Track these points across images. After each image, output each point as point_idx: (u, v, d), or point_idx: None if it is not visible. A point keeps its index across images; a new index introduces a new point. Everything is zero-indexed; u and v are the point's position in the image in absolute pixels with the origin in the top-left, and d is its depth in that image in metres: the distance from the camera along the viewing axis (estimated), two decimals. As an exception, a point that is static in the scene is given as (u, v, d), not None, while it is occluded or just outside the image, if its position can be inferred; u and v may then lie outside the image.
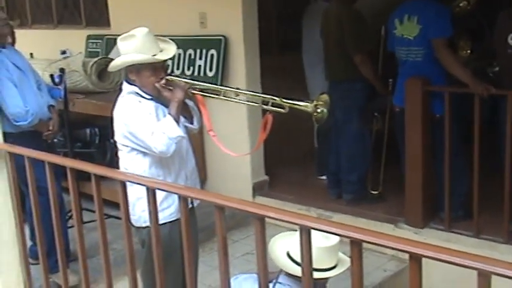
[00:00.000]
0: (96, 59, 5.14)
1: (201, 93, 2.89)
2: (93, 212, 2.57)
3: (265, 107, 2.74)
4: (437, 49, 3.86)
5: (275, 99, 2.67)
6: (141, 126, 2.79)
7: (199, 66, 4.96)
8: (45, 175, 2.73)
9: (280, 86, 4.60)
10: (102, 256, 2.54)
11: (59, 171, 3.04)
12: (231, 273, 2.07)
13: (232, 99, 3.02)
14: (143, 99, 2.90)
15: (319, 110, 2.65)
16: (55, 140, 4.19)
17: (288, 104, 2.65)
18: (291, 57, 5.59)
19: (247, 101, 3.13)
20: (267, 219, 1.85)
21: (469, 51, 4.50)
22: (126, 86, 2.94)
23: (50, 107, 3.90)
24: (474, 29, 5.03)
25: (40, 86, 3.91)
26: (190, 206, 2.94)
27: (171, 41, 3.03)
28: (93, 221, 2.86)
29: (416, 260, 1.51)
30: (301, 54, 5.35)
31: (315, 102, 2.62)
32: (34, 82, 3.83)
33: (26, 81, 3.75)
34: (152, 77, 2.86)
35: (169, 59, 2.99)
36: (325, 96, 2.66)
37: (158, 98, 2.92)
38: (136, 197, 2.80)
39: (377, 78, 4.50)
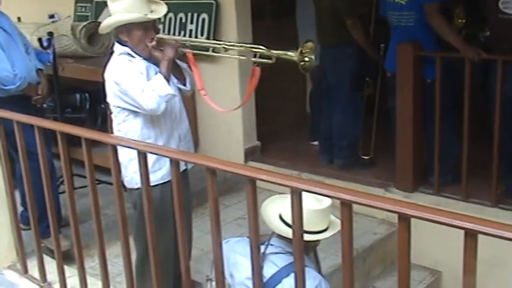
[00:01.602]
0: (85, 23, 5.07)
1: (191, 50, 2.88)
2: (85, 177, 2.57)
3: (253, 59, 2.73)
4: (429, 14, 3.84)
5: (262, 50, 2.67)
6: (132, 84, 2.78)
7: (191, 30, 4.91)
8: (35, 140, 2.72)
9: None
10: (94, 221, 2.55)
11: (49, 137, 3.03)
12: (223, 238, 2.08)
13: (222, 55, 3.01)
14: (134, 59, 2.89)
15: (306, 58, 2.63)
16: (44, 105, 4.15)
17: (275, 54, 2.64)
18: (284, 22, 5.54)
19: (237, 55, 3.13)
20: (259, 184, 1.86)
21: (464, 20, 4.47)
22: (117, 47, 2.93)
23: (39, 70, 3.86)
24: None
25: (28, 49, 3.87)
26: (184, 168, 2.96)
27: (161, 2, 3.00)
28: (85, 186, 2.86)
29: (405, 220, 1.53)
30: (295, 19, 5.30)
31: (300, 49, 2.61)
32: (22, 46, 3.78)
33: (13, 44, 3.70)
34: (143, 36, 2.86)
35: (160, 19, 2.97)
36: (310, 44, 2.65)
37: (150, 58, 2.91)
38: (129, 159, 2.81)
39: (368, 43, 4.48)
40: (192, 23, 4.90)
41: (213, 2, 4.75)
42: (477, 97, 3.96)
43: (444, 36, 3.86)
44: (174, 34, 4.98)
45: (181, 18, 4.96)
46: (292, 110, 5.76)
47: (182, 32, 4.95)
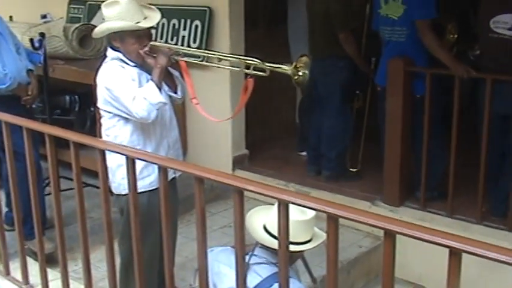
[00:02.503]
0: (77, 25, 5.05)
1: (184, 59, 2.88)
2: (71, 180, 2.57)
3: (246, 71, 2.72)
4: (420, 30, 3.87)
5: (256, 63, 2.67)
6: (123, 91, 2.77)
7: (183, 37, 4.91)
8: (23, 141, 2.71)
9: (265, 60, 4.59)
10: (79, 224, 2.54)
11: (37, 138, 3.02)
12: (209, 245, 2.08)
13: (215, 65, 3.01)
14: (127, 65, 2.88)
15: (300, 73, 2.64)
16: (33, 106, 4.14)
17: (269, 67, 2.64)
18: (277, 32, 5.56)
19: (230, 66, 3.12)
20: (246, 193, 1.86)
21: (456, 35, 4.51)
22: (110, 52, 2.92)
23: (29, 71, 3.84)
24: (462, 13, 5.05)
25: (19, 49, 3.85)
26: (172, 176, 2.95)
27: (155, 8, 3.00)
28: (71, 189, 2.85)
29: (390, 236, 1.54)
30: (285, 28, 5.33)
31: (294, 64, 2.61)
32: (13, 45, 3.77)
33: (4, 44, 3.69)
34: (136, 44, 2.84)
35: (153, 27, 2.96)
36: (305, 58, 2.65)
37: (142, 66, 2.91)
38: (117, 164, 2.79)
39: (360, 57, 4.51)
40: (185, 29, 4.90)
41: (207, 9, 4.76)
42: (465, 114, 3.99)
43: (435, 52, 3.89)
44: (166, 40, 4.98)
45: (174, 24, 4.96)
46: (281, 120, 5.77)
47: (175, 38, 4.95)
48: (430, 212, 4.07)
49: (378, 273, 3.98)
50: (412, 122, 4.07)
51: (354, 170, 4.79)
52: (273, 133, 5.69)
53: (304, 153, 5.14)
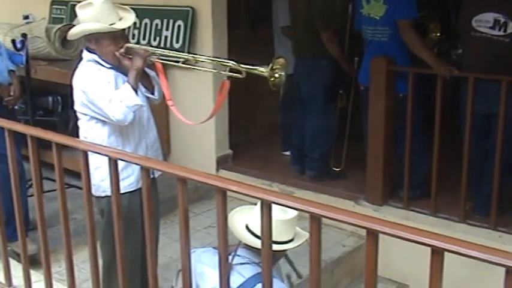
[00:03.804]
0: (59, 26, 5.02)
1: (161, 61, 2.86)
2: (54, 181, 2.55)
3: (223, 72, 2.71)
4: (402, 30, 3.90)
5: (232, 65, 2.66)
6: (100, 94, 2.76)
7: (166, 37, 4.90)
8: (4, 142, 2.68)
9: (248, 61, 4.59)
10: (62, 226, 2.53)
11: (20, 139, 2.99)
12: (192, 246, 2.08)
13: (193, 67, 3.00)
14: (102, 67, 2.86)
15: (276, 75, 2.62)
16: (16, 107, 4.10)
17: (245, 69, 2.63)
18: (261, 32, 5.56)
19: (209, 68, 3.11)
20: (229, 193, 1.86)
21: (438, 34, 4.54)
22: (85, 54, 2.90)
23: (11, 71, 3.81)
24: (444, 12, 5.08)
25: (0, 50, 3.82)
26: (151, 176, 2.94)
27: (130, 9, 2.98)
28: (54, 190, 2.82)
29: (373, 235, 1.55)
30: (271, 30, 5.32)
31: (271, 66, 2.60)
32: (-7, 46, 3.75)
33: (-15, 45, 3.66)
34: (111, 45, 2.82)
35: (135, 25, 2.95)
36: (281, 60, 2.64)
37: (118, 67, 2.89)
38: (95, 166, 2.77)
39: (343, 57, 4.53)
40: (167, 29, 4.89)
41: (189, 9, 4.75)
42: (448, 113, 4.02)
43: (417, 51, 3.91)
44: (149, 40, 4.96)
45: (157, 25, 4.95)
46: (265, 120, 5.77)
47: (157, 39, 4.93)
48: (413, 210, 4.10)
49: (361, 272, 3.99)
50: (395, 121, 4.09)
51: (338, 169, 4.81)
52: (257, 133, 5.69)
53: (287, 153, 5.15)
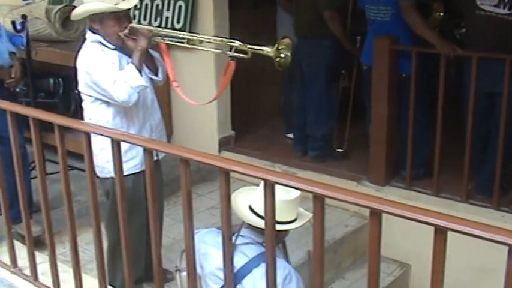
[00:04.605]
0: (59, 7, 4.99)
1: (165, 41, 2.85)
2: (57, 163, 2.55)
3: (228, 53, 2.70)
4: (404, 11, 3.87)
5: (237, 45, 2.65)
6: (104, 75, 2.75)
7: (167, 17, 4.86)
8: (7, 125, 2.68)
9: (251, 42, 4.57)
10: (66, 207, 2.53)
11: (22, 122, 2.99)
12: (195, 227, 2.08)
13: (197, 47, 2.98)
14: (106, 48, 2.86)
15: (282, 55, 2.61)
16: (17, 89, 4.09)
17: (250, 49, 2.62)
18: (262, 12, 5.53)
19: (212, 48, 3.09)
20: (232, 174, 1.86)
21: (441, 13, 4.50)
22: (89, 35, 2.89)
23: (11, 54, 3.80)
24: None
25: (0, 32, 3.80)
26: (155, 158, 2.94)
27: None
28: (57, 172, 2.83)
29: (376, 215, 1.54)
30: (274, 9, 5.28)
31: (276, 46, 2.59)
32: (-7, 28, 3.72)
33: (-15, 27, 3.64)
34: (115, 26, 2.82)
35: (136, 6, 2.93)
36: (287, 40, 2.63)
37: (122, 48, 2.87)
38: (99, 148, 2.78)
39: (345, 36, 4.50)
40: (168, 10, 4.86)
41: (190, -12, 4.72)
42: (452, 92, 4.00)
43: (419, 32, 3.89)
44: (150, 21, 4.93)
45: (157, 5, 4.91)
46: (267, 101, 5.76)
47: (158, 19, 4.90)
48: (416, 190, 4.10)
49: (364, 251, 4.01)
50: (397, 101, 4.08)
51: (340, 149, 4.80)
52: (259, 114, 5.68)
53: (291, 135, 5.14)
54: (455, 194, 3.97)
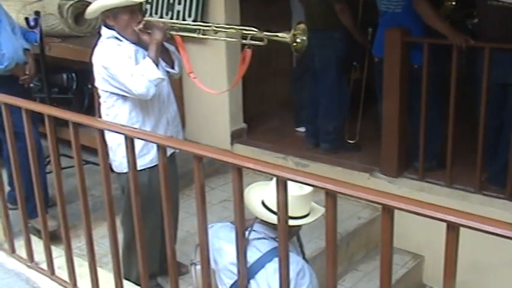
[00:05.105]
0: (72, 2, 5.02)
1: (180, 33, 2.86)
2: (71, 157, 2.58)
3: (244, 41, 2.71)
4: (415, 2, 3.86)
5: (254, 32, 2.65)
6: (121, 69, 2.77)
7: (178, 11, 4.88)
8: (22, 121, 2.72)
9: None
10: (81, 202, 2.57)
11: (36, 117, 3.03)
12: (209, 220, 2.10)
13: (212, 37, 2.99)
14: (122, 43, 2.88)
15: (298, 40, 2.63)
16: (31, 85, 4.13)
17: (267, 36, 2.63)
18: (273, 3, 5.52)
19: (227, 38, 3.10)
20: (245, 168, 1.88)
21: (453, 2, 4.48)
22: (104, 31, 2.91)
23: (25, 50, 3.83)
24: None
25: (14, 29, 3.83)
26: (172, 151, 2.97)
27: None
28: (72, 166, 2.86)
29: (389, 211, 1.56)
30: (284, 1, 5.27)
31: (292, 32, 2.61)
32: (8, 25, 3.75)
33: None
34: (130, 20, 2.84)
35: (147, 1, 2.94)
36: (302, 26, 2.65)
37: (138, 42, 2.89)
38: (117, 143, 2.80)
39: (356, 28, 4.50)
40: (179, 3, 4.87)
41: (202, -17, 4.72)
42: (464, 83, 3.99)
43: (431, 23, 3.87)
44: (161, 15, 4.95)
45: (169, -1, 4.93)
46: (279, 93, 5.76)
47: (170, 13, 4.92)
48: (428, 182, 4.10)
49: (377, 243, 4.02)
50: (409, 92, 4.07)
51: (352, 141, 4.81)
52: (271, 106, 5.68)
53: (301, 129, 5.14)
54: (468, 185, 3.96)
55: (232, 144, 4.97)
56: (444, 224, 1.48)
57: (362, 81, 4.72)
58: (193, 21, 4.73)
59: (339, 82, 4.63)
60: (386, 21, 4.07)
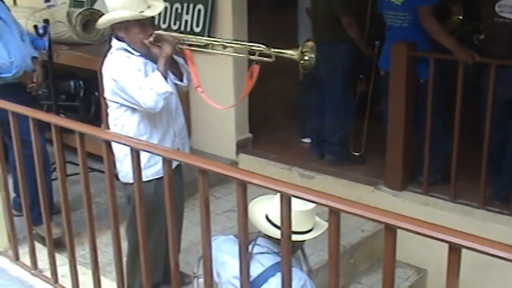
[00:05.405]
0: (81, 10, 5.06)
1: (189, 47, 2.88)
2: (77, 164, 2.58)
3: (252, 57, 2.72)
4: (422, 17, 3.87)
5: (262, 49, 2.66)
6: (130, 81, 2.78)
7: (186, 21, 4.91)
8: (29, 129, 2.73)
9: (268, 44, 4.58)
10: (86, 209, 2.57)
11: (43, 123, 3.04)
12: (212, 230, 2.11)
13: (221, 52, 3.00)
14: (132, 55, 2.89)
15: (306, 57, 2.64)
16: (39, 92, 4.15)
17: (275, 53, 2.64)
18: (281, 15, 5.54)
19: (235, 53, 3.12)
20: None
21: (460, 17, 4.50)
22: (115, 42, 2.92)
23: (33, 58, 3.86)
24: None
25: (23, 36, 3.86)
26: (177, 163, 2.97)
27: None
28: (77, 173, 2.88)
29: (391, 230, 1.57)
30: (293, 11, 5.30)
31: (300, 49, 2.62)
32: (17, 33, 3.77)
33: (9, 32, 3.69)
34: (140, 33, 2.85)
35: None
36: (310, 43, 2.65)
37: (147, 55, 2.91)
38: (124, 154, 2.81)
39: (363, 41, 4.51)
40: (187, 13, 4.90)
41: (210, -7, 4.75)
42: (469, 99, 4.00)
43: (437, 38, 3.89)
44: (169, 24, 4.97)
45: (177, 9, 4.96)
46: (285, 103, 5.78)
47: (177, 23, 4.94)
48: (432, 196, 4.10)
49: (380, 256, 3.99)
50: (415, 106, 4.08)
51: (357, 153, 4.81)
52: (277, 116, 5.70)
53: (306, 140, 5.15)
54: (472, 200, 3.96)
55: (237, 153, 4.98)
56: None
57: (368, 93, 4.72)
58: (201, 31, 4.77)
59: (344, 94, 4.65)
60: (393, 35, 4.08)
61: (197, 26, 4.83)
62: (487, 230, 3.67)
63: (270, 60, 2.66)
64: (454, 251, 1.45)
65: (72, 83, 4.90)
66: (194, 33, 4.76)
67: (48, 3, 5.80)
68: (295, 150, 5.08)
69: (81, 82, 4.90)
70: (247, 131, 5.10)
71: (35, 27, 4.18)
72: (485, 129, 3.76)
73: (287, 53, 2.63)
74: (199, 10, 4.82)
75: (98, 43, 4.93)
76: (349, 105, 4.70)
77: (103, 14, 2.97)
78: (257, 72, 2.72)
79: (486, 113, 3.74)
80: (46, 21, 4.19)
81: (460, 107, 3.83)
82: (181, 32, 4.77)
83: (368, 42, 4.55)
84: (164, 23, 5.00)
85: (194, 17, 4.85)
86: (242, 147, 5.02)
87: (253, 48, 2.71)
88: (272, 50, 2.63)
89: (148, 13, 2.85)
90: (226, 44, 2.91)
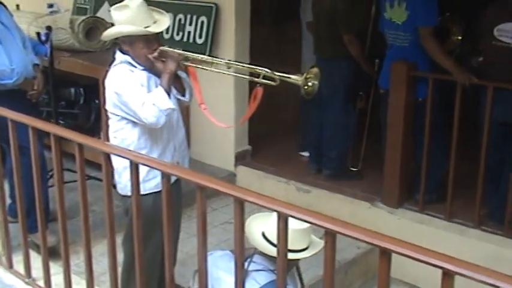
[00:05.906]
0: (84, 18, 5.07)
1: (193, 65, 2.89)
2: (75, 172, 2.58)
3: (256, 79, 2.73)
4: (423, 37, 3.91)
5: (267, 72, 2.68)
6: (133, 96, 2.78)
7: (189, 32, 4.93)
8: (27, 136, 2.73)
9: (270, 58, 4.59)
10: (82, 218, 2.57)
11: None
12: (209, 242, 2.11)
13: (224, 72, 3.01)
14: (136, 69, 2.89)
15: (309, 84, 2.66)
16: (39, 99, 4.16)
17: (279, 77, 2.65)
18: (284, 29, 5.56)
19: (239, 73, 3.13)
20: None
21: (460, 38, 4.54)
22: (119, 55, 2.92)
23: (35, 65, 3.86)
24: (468, 12, 5.04)
25: (25, 43, 3.86)
26: (175, 178, 2.98)
27: (165, 12, 3.01)
28: (74, 181, 2.87)
29: (386, 254, 1.58)
30: (297, 24, 5.32)
31: (305, 75, 2.63)
32: (19, 39, 3.78)
33: (11, 38, 3.69)
34: (145, 48, 2.85)
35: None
36: (315, 70, 2.68)
37: (151, 69, 2.91)
38: (123, 166, 2.80)
39: (364, 58, 4.54)
40: (190, 24, 4.92)
41: (213, 5, 4.77)
42: (467, 119, 4.02)
43: (437, 59, 3.93)
44: (172, 35, 4.99)
45: (180, 20, 4.98)
46: (284, 116, 5.79)
47: (180, 33, 4.96)
48: (428, 214, 4.12)
49: (375, 273, 3.97)
50: (413, 125, 4.11)
51: (355, 169, 4.82)
52: (276, 129, 5.71)
53: (305, 153, 5.17)
54: (467, 220, 3.98)
55: (236, 165, 4.99)
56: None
57: (367, 110, 4.74)
58: (204, 42, 4.80)
59: (345, 110, 4.67)
60: (393, 54, 4.12)
61: (200, 37, 4.85)
62: (481, 249, 3.69)
63: (274, 83, 2.67)
64: (448, 276, 1.46)
65: (72, 90, 4.90)
66: (196, 45, 4.78)
67: (51, 9, 5.82)
68: (293, 164, 5.09)
69: (81, 89, 4.90)
70: (246, 143, 5.11)
71: (38, 34, 4.20)
72: (482, 149, 3.78)
73: (291, 78, 2.65)
74: (202, 22, 4.84)
75: (100, 51, 4.94)
76: (349, 121, 4.72)
77: (106, 22, 2.99)
78: (261, 94, 2.73)
79: (483, 134, 3.76)
80: (48, 28, 4.21)
81: (458, 127, 3.85)
82: (183, 43, 4.81)
83: (368, 59, 4.58)
84: (167, 33, 5.02)
85: (197, 28, 4.87)
86: (241, 159, 5.03)
87: (257, 70, 2.72)
88: (276, 74, 2.65)
89: (153, 29, 2.86)
90: (231, 64, 2.92)
